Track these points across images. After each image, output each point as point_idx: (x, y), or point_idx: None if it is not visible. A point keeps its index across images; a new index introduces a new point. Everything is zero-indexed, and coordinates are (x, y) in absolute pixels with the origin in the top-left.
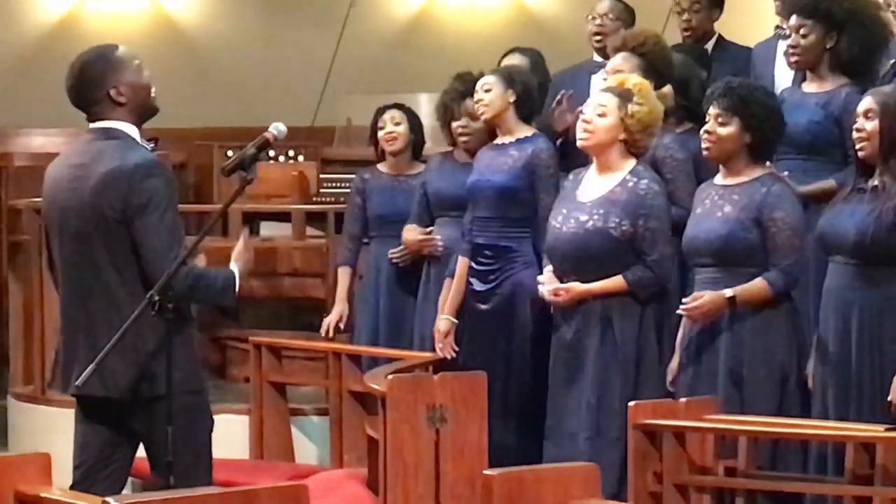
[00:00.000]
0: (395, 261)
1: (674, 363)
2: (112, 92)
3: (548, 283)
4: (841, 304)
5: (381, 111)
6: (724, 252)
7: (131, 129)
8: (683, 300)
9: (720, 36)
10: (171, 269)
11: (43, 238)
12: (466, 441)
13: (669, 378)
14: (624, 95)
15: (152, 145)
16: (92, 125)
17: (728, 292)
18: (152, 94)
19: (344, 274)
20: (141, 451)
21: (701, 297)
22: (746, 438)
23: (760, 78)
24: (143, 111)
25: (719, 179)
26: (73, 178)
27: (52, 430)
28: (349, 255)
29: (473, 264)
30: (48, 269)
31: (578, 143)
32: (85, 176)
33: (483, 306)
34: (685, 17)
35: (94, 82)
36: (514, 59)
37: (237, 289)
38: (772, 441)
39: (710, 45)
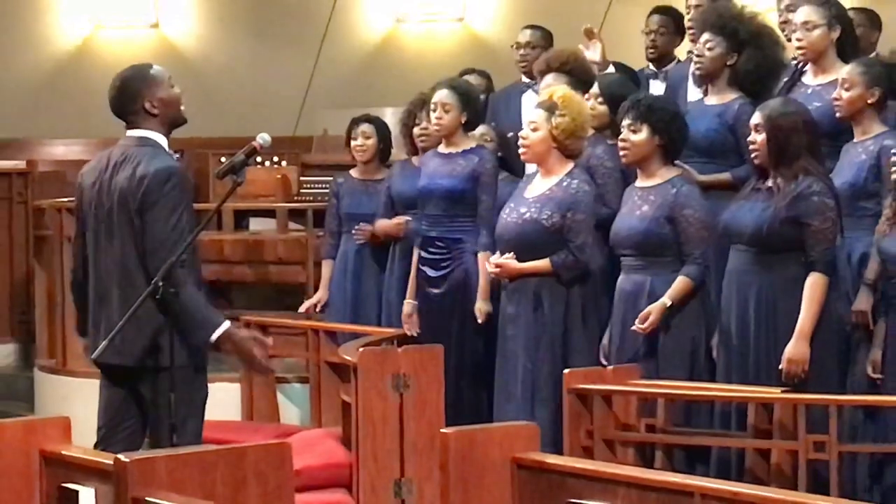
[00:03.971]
0: (356, 236)
1: (605, 342)
2: (147, 105)
3: (492, 260)
4: (741, 285)
5: (355, 123)
6: (642, 245)
7: (161, 139)
8: (636, 320)
9: (678, 59)
10: (173, 259)
11: (65, 232)
12: (426, 404)
13: (603, 354)
14: (550, 108)
15: (177, 156)
16: (128, 132)
17: (667, 301)
18: (181, 107)
19: (326, 266)
20: None
21: (650, 314)
22: (664, 400)
23: (674, 94)
24: (172, 122)
25: (638, 182)
26: (108, 177)
27: (73, 397)
28: (330, 249)
29: (424, 254)
30: (75, 249)
31: (522, 157)
32: (116, 176)
33: (436, 290)
34: (652, 38)
35: (131, 96)
36: (472, 79)
37: (214, 338)
38: (684, 402)
39: (670, 67)
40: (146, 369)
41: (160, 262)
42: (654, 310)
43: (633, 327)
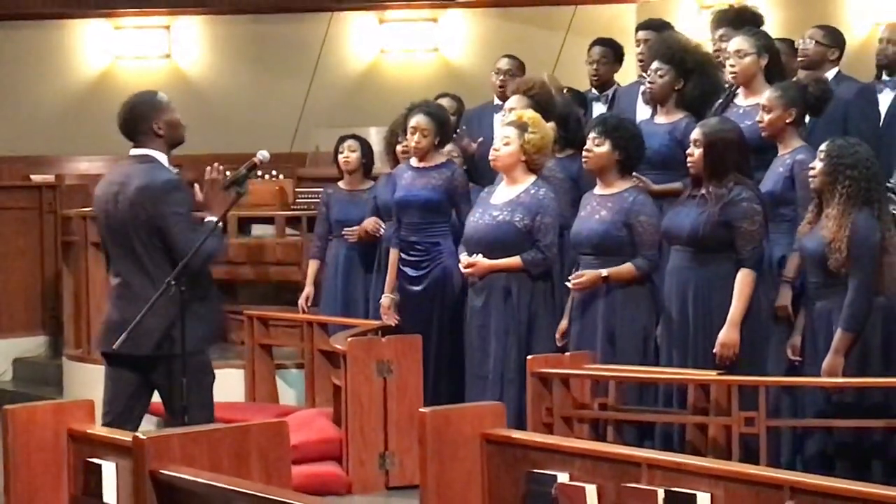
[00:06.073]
0: (347, 237)
1: (562, 325)
2: (154, 127)
3: (464, 260)
4: (681, 281)
5: (341, 140)
6: (601, 245)
7: (161, 157)
8: (570, 276)
9: (617, 84)
10: (185, 260)
11: (89, 237)
12: (407, 387)
13: (558, 336)
14: (522, 127)
15: (176, 170)
16: (132, 151)
17: (604, 272)
18: (183, 129)
19: (312, 265)
20: (155, 396)
21: (583, 275)
22: (614, 382)
23: (623, 112)
24: (174, 142)
25: (597, 190)
26: (114, 192)
27: (97, 383)
28: (317, 250)
29: (406, 256)
30: (104, 257)
31: (491, 165)
32: (123, 191)
33: (417, 287)
34: (594, 67)
35: (140, 118)
36: (446, 101)
37: (217, 222)
38: (635, 384)
39: (611, 92)
40: (160, 358)
41: (195, 261)
42: (588, 273)
43: (566, 283)
